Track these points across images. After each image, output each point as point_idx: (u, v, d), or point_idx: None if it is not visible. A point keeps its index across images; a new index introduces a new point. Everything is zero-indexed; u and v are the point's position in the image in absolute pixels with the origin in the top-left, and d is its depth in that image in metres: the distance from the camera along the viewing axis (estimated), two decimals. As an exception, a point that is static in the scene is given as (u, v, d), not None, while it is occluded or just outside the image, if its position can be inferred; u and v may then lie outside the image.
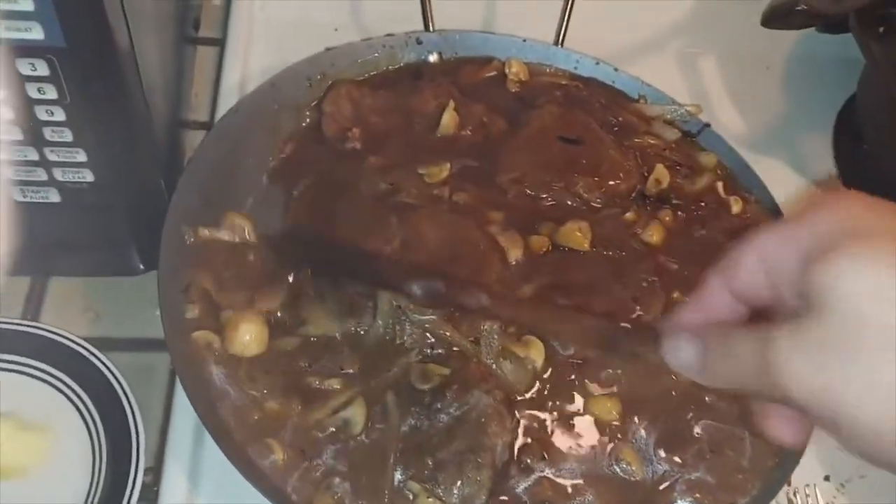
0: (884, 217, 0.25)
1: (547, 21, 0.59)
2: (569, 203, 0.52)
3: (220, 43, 0.61)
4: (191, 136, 0.56)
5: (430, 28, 0.58)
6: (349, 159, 0.51)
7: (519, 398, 0.45)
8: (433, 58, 0.58)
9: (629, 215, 0.52)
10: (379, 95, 0.54)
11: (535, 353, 0.45)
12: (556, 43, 0.59)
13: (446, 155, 0.52)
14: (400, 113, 0.54)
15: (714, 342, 0.27)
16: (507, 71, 0.57)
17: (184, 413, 0.46)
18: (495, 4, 0.68)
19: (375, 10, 0.65)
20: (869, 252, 0.23)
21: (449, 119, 0.53)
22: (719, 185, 0.56)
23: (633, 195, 0.54)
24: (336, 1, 0.65)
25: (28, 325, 0.48)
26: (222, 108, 0.55)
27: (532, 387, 0.45)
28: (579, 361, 0.46)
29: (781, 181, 0.62)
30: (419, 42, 0.58)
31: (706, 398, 0.46)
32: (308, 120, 0.53)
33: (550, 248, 0.49)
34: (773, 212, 0.54)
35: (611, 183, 0.53)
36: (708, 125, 0.58)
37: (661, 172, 0.54)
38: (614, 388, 0.46)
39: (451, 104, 0.53)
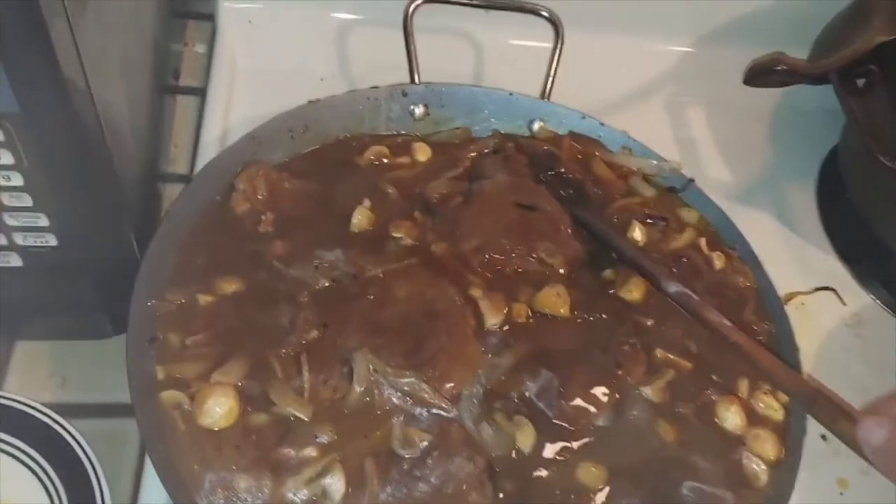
0: None
1: (538, 70, 0.56)
2: (533, 270, 0.48)
3: (201, 92, 0.57)
4: (169, 189, 0.51)
5: (416, 80, 0.54)
6: (253, 240, 0.46)
7: (499, 469, 0.41)
8: (419, 110, 0.54)
9: (607, 273, 0.49)
10: (297, 182, 0.49)
11: (524, 438, 0.41)
12: (542, 96, 0.56)
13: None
14: (317, 203, 0.49)
15: None
16: (413, 156, 0.53)
17: (154, 482, 0.41)
18: (482, 58, 0.64)
19: (362, 61, 0.61)
20: None
21: (361, 217, 0.48)
22: (702, 240, 0.52)
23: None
24: (322, 51, 0.62)
25: (-11, 395, 0.43)
26: (202, 161, 0.51)
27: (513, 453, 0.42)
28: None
29: (766, 231, 0.61)
30: (405, 94, 0.54)
31: (691, 460, 0.43)
32: (218, 197, 0.47)
33: (530, 315, 0.46)
34: (754, 265, 0.51)
35: (569, 246, 0.49)
36: (692, 180, 0.54)
37: (637, 230, 0.51)
38: (601, 456, 0.42)
39: (367, 202, 0.48)
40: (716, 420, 0.44)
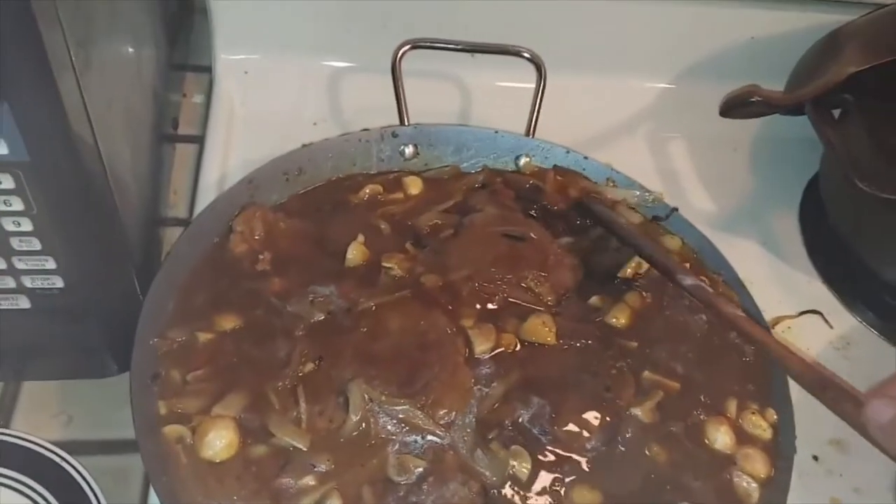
0: None
1: (523, 110, 0.58)
2: (522, 298, 0.50)
3: (199, 140, 0.60)
4: (169, 233, 0.54)
5: (406, 122, 0.57)
6: (251, 279, 0.48)
7: (495, 492, 0.42)
8: (409, 150, 0.57)
9: (594, 300, 0.51)
10: (293, 222, 0.51)
11: (521, 466, 0.43)
12: (527, 133, 0.58)
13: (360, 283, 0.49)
14: (312, 242, 0.51)
15: None
16: (405, 191, 0.55)
17: (157, 519, 0.43)
18: (469, 99, 0.68)
19: (352, 106, 0.64)
20: None
21: (356, 253, 0.50)
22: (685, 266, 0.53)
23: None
24: (314, 97, 0.65)
25: (-3, 432, 0.45)
26: (201, 205, 0.54)
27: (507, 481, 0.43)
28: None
29: (751, 258, 0.63)
30: (395, 136, 0.56)
31: (683, 481, 0.44)
32: (216, 238, 0.50)
33: (518, 344, 0.47)
34: (740, 290, 0.53)
35: (558, 275, 0.51)
36: (675, 209, 0.57)
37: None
38: (596, 480, 0.44)
39: (360, 238, 0.50)
40: (706, 440, 0.46)
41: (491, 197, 0.55)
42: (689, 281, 0.48)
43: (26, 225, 0.38)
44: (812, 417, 0.45)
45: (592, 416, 0.45)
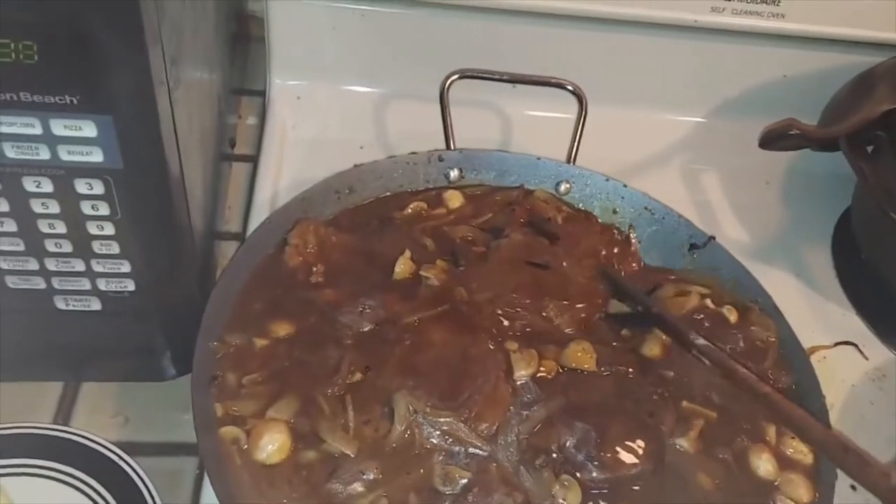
0: None
1: (561, 140, 0.62)
2: (540, 327, 0.52)
3: (253, 159, 0.65)
4: (224, 246, 0.58)
5: (452, 146, 0.61)
6: (305, 289, 0.51)
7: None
8: (454, 174, 0.61)
9: (624, 332, 0.53)
10: (343, 236, 0.55)
11: (572, 498, 0.44)
12: (568, 161, 0.62)
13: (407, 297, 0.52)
14: (362, 255, 0.54)
15: None
16: (447, 205, 0.59)
17: (209, 518, 0.45)
18: (512, 125, 0.72)
19: (399, 131, 0.69)
20: None
21: (403, 266, 0.53)
22: (707, 300, 0.55)
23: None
24: (362, 122, 0.69)
25: (57, 430, 0.48)
26: (254, 221, 0.58)
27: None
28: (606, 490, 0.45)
29: (785, 289, 0.64)
30: (441, 159, 0.61)
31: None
32: (272, 250, 0.53)
33: (559, 370, 0.49)
34: (777, 317, 0.55)
35: (578, 306, 0.53)
36: (712, 237, 0.59)
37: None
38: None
39: (407, 253, 0.53)
40: (749, 467, 0.47)
41: (511, 217, 0.58)
42: (700, 342, 0.50)
43: (109, 229, 0.42)
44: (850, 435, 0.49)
45: (637, 443, 0.46)
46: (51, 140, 0.38)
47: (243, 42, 0.72)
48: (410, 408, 0.45)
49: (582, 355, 0.50)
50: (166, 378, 0.50)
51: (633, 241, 0.60)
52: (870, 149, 0.62)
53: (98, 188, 0.40)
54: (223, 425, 0.45)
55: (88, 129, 0.37)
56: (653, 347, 0.52)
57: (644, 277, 0.58)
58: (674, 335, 0.51)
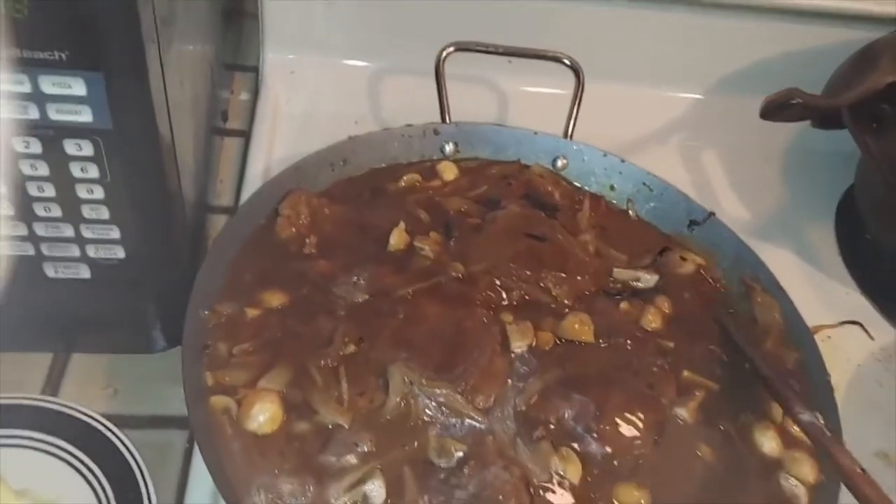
0: None
1: (557, 116, 0.62)
2: (539, 297, 0.52)
3: (245, 135, 0.65)
4: (214, 219, 0.58)
5: (447, 120, 0.61)
6: (297, 259, 0.52)
7: (541, 492, 0.44)
8: (449, 147, 0.61)
9: (623, 306, 0.53)
10: (336, 208, 0.55)
11: (572, 470, 0.44)
12: (564, 136, 0.62)
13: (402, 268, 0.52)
14: (355, 227, 0.55)
15: None
16: (441, 177, 0.59)
17: (198, 491, 0.45)
18: (507, 100, 0.72)
19: (394, 105, 0.69)
20: None
21: (397, 238, 0.53)
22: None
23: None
24: (356, 96, 0.70)
25: (45, 401, 0.48)
26: (246, 194, 0.58)
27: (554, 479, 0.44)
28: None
29: (787, 267, 0.64)
30: (436, 133, 0.61)
31: (731, 481, 0.46)
32: (263, 220, 0.53)
33: (556, 342, 0.50)
34: (779, 294, 0.55)
35: (578, 279, 0.53)
36: (712, 214, 0.59)
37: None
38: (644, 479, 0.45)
39: (402, 224, 0.54)
40: (754, 443, 0.47)
41: (507, 190, 0.59)
42: (805, 418, 0.46)
43: (98, 193, 0.42)
44: (857, 429, 0.48)
45: (637, 415, 0.46)
46: (40, 98, 0.38)
47: (237, 18, 0.72)
48: (406, 379, 0.45)
49: (580, 327, 0.50)
50: (157, 350, 0.50)
51: (632, 214, 0.61)
52: (874, 125, 0.62)
53: (87, 149, 0.40)
54: (213, 394, 0.44)
55: (78, 87, 0.37)
56: (653, 320, 0.52)
57: (643, 235, 0.59)
58: (778, 399, 0.49)
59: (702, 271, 0.57)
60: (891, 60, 0.61)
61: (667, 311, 0.53)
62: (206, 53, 0.57)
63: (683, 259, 0.57)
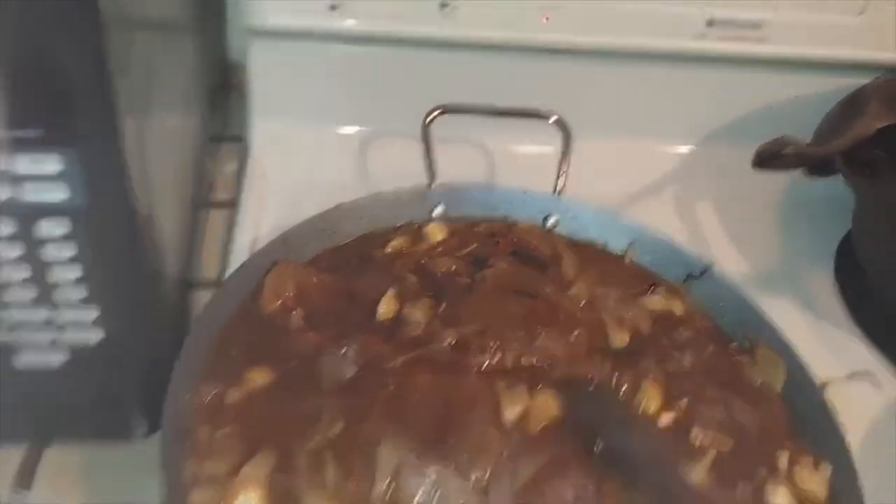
0: None
1: (548, 173, 0.62)
2: (535, 360, 0.50)
3: (231, 205, 0.64)
4: (199, 295, 0.57)
5: (435, 183, 0.61)
6: (284, 334, 0.50)
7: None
8: (438, 210, 0.61)
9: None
10: (324, 277, 0.54)
11: None
12: (553, 193, 0.62)
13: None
14: (343, 296, 0.54)
15: None
16: (429, 239, 0.59)
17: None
18: (497, 161, 0.72)
19: (383, 170, 0.69)
20: None
21: (387, 306, 0.52)
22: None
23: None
24: (345, 163, 0.70)
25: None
26: (232, 267, 0.56)
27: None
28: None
29: (790, 319, 0.60)
30: (425, 196, 0.60)
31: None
32: (249, 294, 0.52)
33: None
34: (785, 350, 0.53)
35: (574, 334, 0.52)
36: (710, 267, 0.58)
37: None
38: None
39: (391, 291, 0.53)
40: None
41: (495, 249, 0.58)
42: None
43: (75, 272, 0.41)
44: (878, 488, 0.47)
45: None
46: (14, 177, 0.37)
47: (225, 92, 0.73)
48: (394, 459, 0.43)
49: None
50: (137, 437, 0.48)
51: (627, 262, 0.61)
52: (867, 171, 0.63)
53: (63, 228, 0.39)
54: (195, 484, 0.42)
55: (53, 165, 0.37)
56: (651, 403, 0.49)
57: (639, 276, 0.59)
58: None
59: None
60: (879, 105, 0.62)
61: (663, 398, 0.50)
62: (191, 127, 0.57)
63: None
